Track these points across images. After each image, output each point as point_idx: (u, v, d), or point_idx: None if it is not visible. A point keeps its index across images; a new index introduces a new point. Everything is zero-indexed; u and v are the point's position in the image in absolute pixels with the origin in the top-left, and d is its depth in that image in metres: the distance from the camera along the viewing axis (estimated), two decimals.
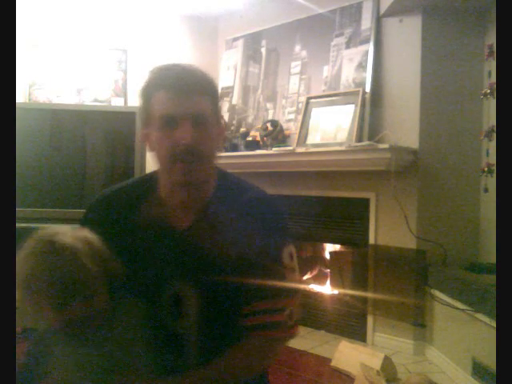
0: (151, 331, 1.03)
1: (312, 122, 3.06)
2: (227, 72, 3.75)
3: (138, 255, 1.04)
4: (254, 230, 1.03)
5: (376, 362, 2.32)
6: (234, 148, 3.36)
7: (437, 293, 2.56)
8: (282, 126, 3.20)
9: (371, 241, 2.86)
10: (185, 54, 3.94)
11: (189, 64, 1.03)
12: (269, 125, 3.19)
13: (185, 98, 0.95)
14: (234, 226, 1.03)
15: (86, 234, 0.97)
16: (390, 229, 2.79)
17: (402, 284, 2.74)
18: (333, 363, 2.51)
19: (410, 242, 2.71)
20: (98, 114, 3.02)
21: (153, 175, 1.10)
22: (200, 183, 1.03)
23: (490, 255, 2.64)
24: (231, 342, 1.04)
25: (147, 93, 1.00)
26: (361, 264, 2.95)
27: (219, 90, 1.09)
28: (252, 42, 3.64)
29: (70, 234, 0.94)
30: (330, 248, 3.36)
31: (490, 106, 2.66)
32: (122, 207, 1.07)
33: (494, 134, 2.61)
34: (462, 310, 2.28)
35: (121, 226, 1.05)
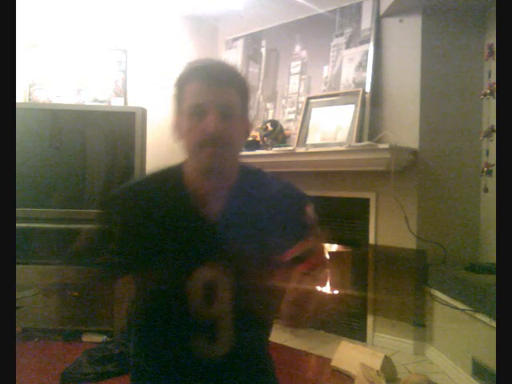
0: (183, 318, 1.04)
1: (312, 122, 3.06)
2: None
3: (168, 244, 1.05)
4: (280, 214, 1.08)
5: (376, 362, 2.32)
6: None
7: (437, 293, 2.56)
8: (282, 126, 3.20)
9: (371, 241, 2.86)
10: (185, 54, 3.94)
11: (223, 60, 1.11)
12: (269, 125, 3.19)
13: (214, 90, 1.02)
14: (259, 207, 1.08)
15: None
16: (390, 229, 2.79)
17: (402, 284, 2.74)
18: (333, 363, 2.51)
19: (409, 242, 2.71)
20: (98, 114, 3.01)
21: (176, 167, 1.14)
22: (223, 171, 1.07)
23: (489, 255, 2.64)
24: (262, 328, 1.12)
25: (181, 83, 1.06)
26: (361, 264, 2.95)
27: (249, 88, 1.12)
28: (252, 42, 3.64)
29: None
30: (329, 248, 3.36)
31: (490, 106, 2.66)
32: (148, 197, 1.08)
33: (494, 134, 2.61)
34: (462, 310, 2.28)
35: (149, 215, 1.05)
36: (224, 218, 1.06)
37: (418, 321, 2.70)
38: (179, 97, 1.06)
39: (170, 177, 1.11)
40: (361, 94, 2.84)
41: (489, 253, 2.66)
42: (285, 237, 1.04)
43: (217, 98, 1.01)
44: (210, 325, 1.04)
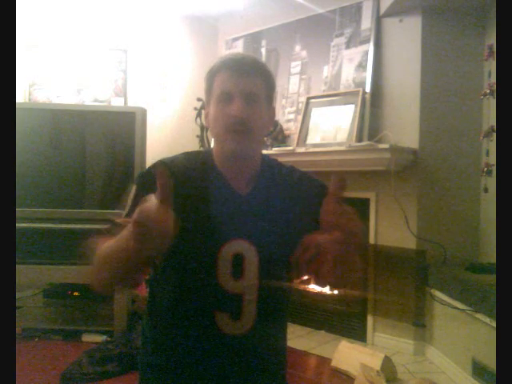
0: (211, 291, 1.06)
1: (312, 122, 3.06)
2: None
3: (199, 217, 1.07)
4: (303, 193, 1.16)
5: (376, 362, 2.32)
6: None
7: (437, 293, 2.56)
8: (282, 126, 3.20)
9: (371, 241, 2.86)
10: (185, 54, 3.94)
11: (250, 54, 1.14)
12: None
13: (241, 79, 1.08)
14: (286, 192, 1.16)
15: None
16: (390, 229, 2.79)
17: (402, 284, 2.74)
18: (333, 363, 2.51)
19: (409, 242, 2.71)
20: (98, 114, 3.01)
21: (204, 151, 1.20)
22: (248, 155, 1.12)
23: (490, 255, 2.64)
24: (287, 303, 1.18)
25: (211, 74, 1.13)
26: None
27: (275, 81, 1.20)
28: (252, 42, 3.64)
29: None
30: None
31: (490, 106, 2.66)
32: (181, 172, 1.11)
33: (494, 134, 2.61)
34: (462, 309, 2.28)
35: (181, 189, 1.06)
36: (252, 197, 1.12)
37: (418, 321, 2.70)
38: (209, 88, 1.13)
39: (202, 157, 1.17)
40: (361, 93, 2.84)
41: (489, 253, 2.66)
42: (307, 220, 1.10)
43: (243, 86, 1.07)
44: (236, 299, 1.07)
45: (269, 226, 1.10)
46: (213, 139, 1.16)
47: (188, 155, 1.18)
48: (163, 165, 1.10)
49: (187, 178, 1.09)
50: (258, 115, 1.10)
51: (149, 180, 1.08)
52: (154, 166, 1.13)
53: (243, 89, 1.07)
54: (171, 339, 1.11)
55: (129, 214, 1.08)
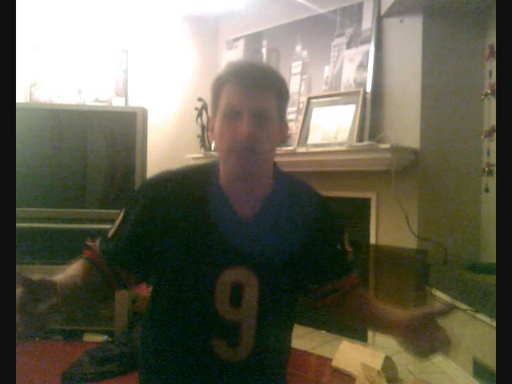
0: (208, 318, 1.03)
1: (313, 122, 3.06)
2: None
3: (199, 239, 1.03)
4: (316, 223, 1.09)
5: (377, 362, 2.32)
6: None
7: (438, 293, 2.56)
8: None
9: (372, 240, 2.86)
10: (186, 54, 3.95)
11: (263, 62, 1.08)
12: None
13: (250, 93, 0.98)
14: (296, 218, 1.07)
15: None
16: (391, 229, 2.79)
17: (403, 284, 2.74)
18: (334, 363, 2.51)
19: (410, 242, 2.71)
20: (98, 114, 3.01)
21: (211, 165, 1.12)
22: (256, 177, 1.04)
23: (490, 255, 2.64)
24: (285, 333, 1.14)
25: (217, 85, 1.03)
26: (361, 264, 2.95)
27: (288, 90, 1.11)
28: (253, 42, 3.64)
29: None
30: None
31: (491, 106, 2.66)
32: (178, 191, 1.06)
33: (495, 134, 2.61)
34: (463, 309, 2.28)
35: (181, 208, 1.04)
36: (256, 222, 1.04)
37: None
38: (215, 98, 1.04)
39: (206, 173, 1.09)
40: (362, 93, 2.84)
41: (490, 253, 2.66)
42: (314, 261, 1.09)
43: (252, 102, 0.98)
44: (234, 327, 1.03)
45: (272, 253, 1.04)
46: (218, 154, 1.09)
47: (191, 171, 1.12)
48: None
49: (185, 198, 1.04)
50: (268, 135, 1.00)
51: (136, 203, 1.07)
52: (141, 188, 1.12)
53: (252, 105, 0.97)
54: (167, 359, 1.08)
55: (116, 233, 1.07)
